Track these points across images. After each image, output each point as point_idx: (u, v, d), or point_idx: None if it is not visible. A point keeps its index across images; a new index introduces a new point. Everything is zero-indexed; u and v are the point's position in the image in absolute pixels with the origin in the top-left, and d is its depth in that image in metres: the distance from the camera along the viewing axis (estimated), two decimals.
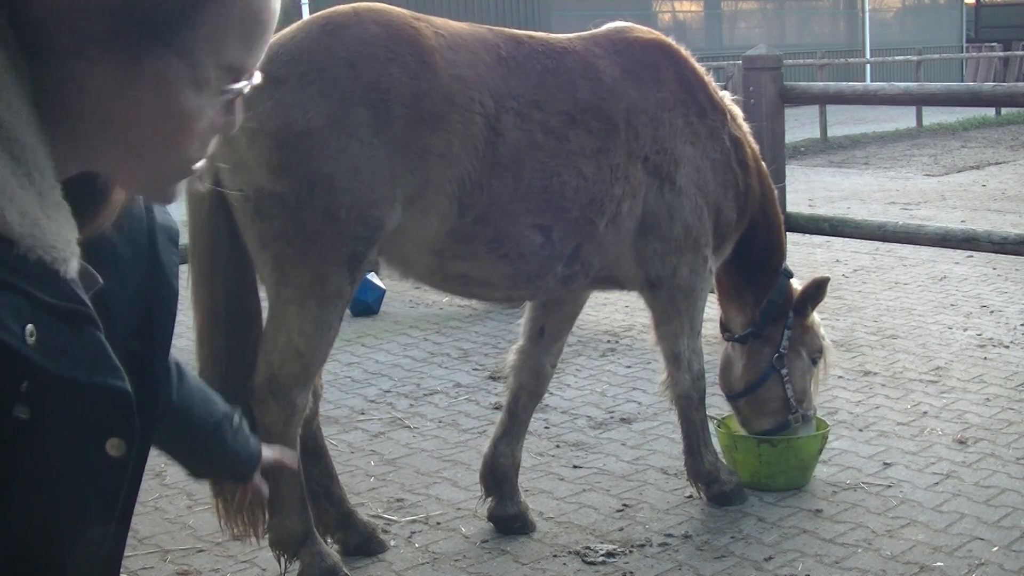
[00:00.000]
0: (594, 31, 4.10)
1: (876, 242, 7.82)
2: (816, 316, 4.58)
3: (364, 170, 3.33)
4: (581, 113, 3.73)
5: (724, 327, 4.57)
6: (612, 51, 3.94)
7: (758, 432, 4.51)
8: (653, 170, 3.92)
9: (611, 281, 4.11)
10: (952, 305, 7.60)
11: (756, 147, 4.41)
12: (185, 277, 3.59)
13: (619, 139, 3.81)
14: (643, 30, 4.14)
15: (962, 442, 4.95)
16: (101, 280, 1.19)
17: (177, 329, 1.41)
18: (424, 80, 3.41)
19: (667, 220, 3.97)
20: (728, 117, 4.20)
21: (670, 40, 4.17)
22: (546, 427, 5.32)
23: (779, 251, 4.50)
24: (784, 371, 4.44)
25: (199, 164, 1.22)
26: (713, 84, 4.23)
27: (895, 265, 9.00)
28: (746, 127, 4.34)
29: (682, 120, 4.00)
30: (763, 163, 4.47)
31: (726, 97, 4.30)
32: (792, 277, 4.52)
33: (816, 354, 4.54)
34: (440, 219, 3.50)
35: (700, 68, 4.19)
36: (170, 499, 4.60)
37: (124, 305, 1.30)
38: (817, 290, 4.48)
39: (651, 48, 4.05)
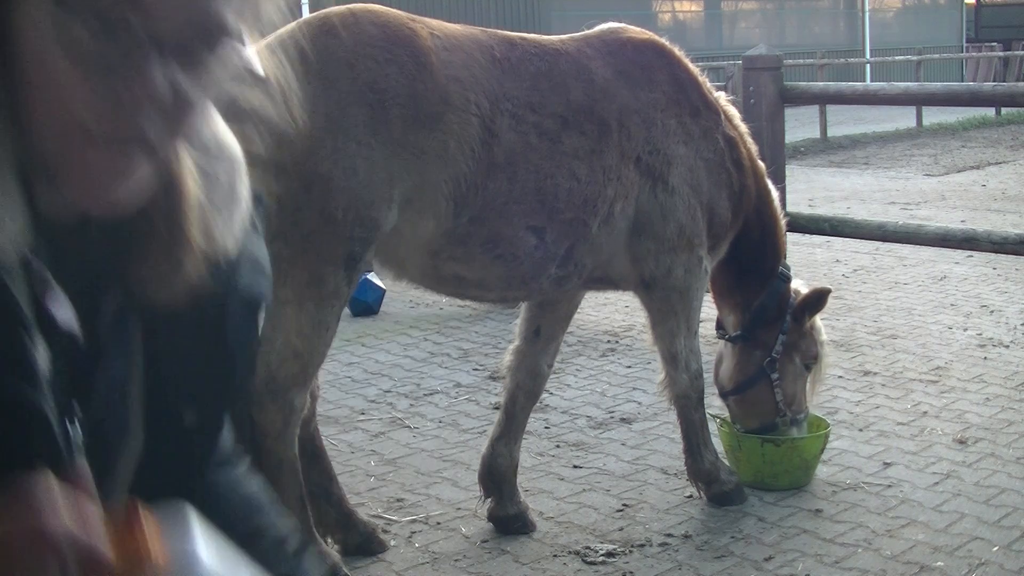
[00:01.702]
0: (587, 32, 4.10)
1: (876, 242, 7.81)
2: (818, 321, 4.57)
3: (361, 171, 3.33)
4: (574, 115, 3.73)
5: (719, 325, 4.59)
6: (605, 52, 3.94)
7: (745, 430, 4.53)
8: (646, 170, 3.92)
9: (606, 281, 4.11)
10: (952, 305, 7.59)
11: (754, 147, 4.40)
12: None
13: (612, 140, 3.81)
14: (636, 31, 4.14)
15: (962, 442, 4.94)
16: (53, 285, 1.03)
17: None
18: (421, 81, 3.41)
19: (660, 220, 3.97)
20: (723, 117, 4.20)
21: (663, 40, 4.17)
22: (546, 427, 5.31)
23: (773, 254, 4.47)
24: (775, 376, 4.43)
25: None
26: (707, 84, 4.22)
27: (895, 265, 8.99)
28: (743, 127, 4.33)
29: (675, 120, 3.99)
30: (760, 164, 4.45)
31: (721, 97, 4.29)
32: (789, 281, 4.50)
33: (811, 360, 4.52)
34: (436, 220, 3.50)
35: (694, 68, 4.18)
36: None
37: (178, 371, 1.17)
38: (818, 300, 4.47)
39: (644, 49, 4.05)
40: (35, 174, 1.01)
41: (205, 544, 1.03)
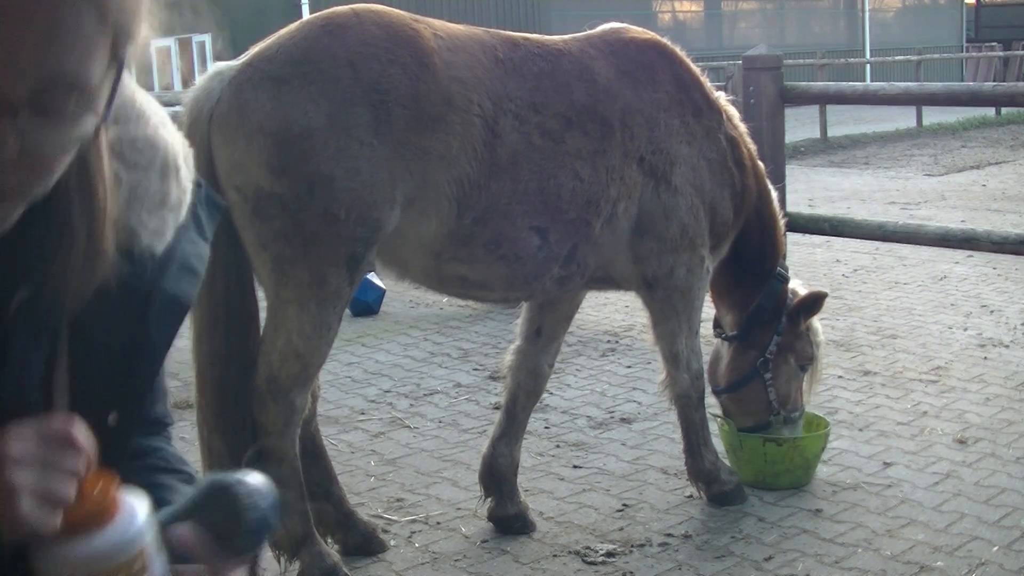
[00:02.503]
0: (589, 32, 4.10)
1: (876, 242, 7.81)
2: (816, 323, 4.58)
3: (364, 171, 3.33)
4: (577, 115, 3.73)
5: (716, 324, 4.60)
6: (607, 52, 3.94)
7: (740, 428, 4.55)
8: (648, 170, 3.92)
9: (608, 281, 4.11)
10: (952, 305, 7.60)
11: (753, 147, 4.41)
12: None
13: (615, 140, 3.81)
14: (638, 30, 4.14)
15: (962, 442, 4.95)
16: None
17: None
18: (424, 82, 3.41)
19: (663, 220, 3.97)
20: (724, 117, 4.20)
21: (665, 40, 4.17)
22: (546, 427, 5.32)
23: (772, 254, 4.47)
24: (768, 375, 4.44)
25: None
26: (709, 84, 4.23)
27: (895, 265, 9.00)
28: (743, 127, 4.34)
29: (678, 120, 3.99)
30: (760, 164, 4.46)
31: (721, 97, 4.29)
32: (787, 282, 4.50)
33: (806, 362, 4.54)
34: (439, 221, 3.50)
35: (695, 68, 4.18)
36: None
37: (102, 371, 1.23)
38: (814, 303, 4.49)
39: (646, 48, 4.05)
40: None
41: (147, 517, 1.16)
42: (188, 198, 1.30)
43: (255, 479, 1.32)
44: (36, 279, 1.15)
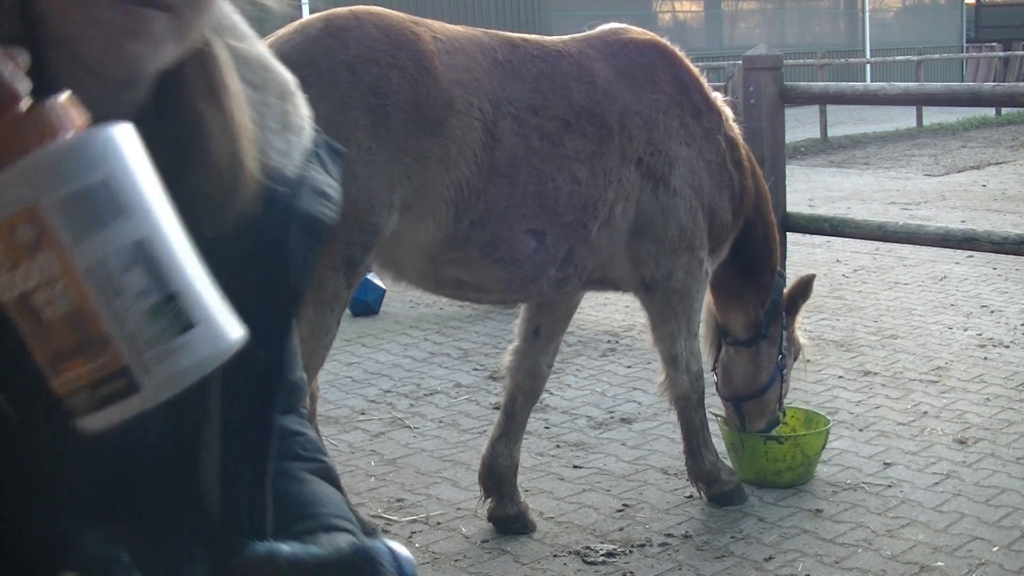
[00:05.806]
0: (588, 33, 4.10)
1: (876, 242, 7.81)
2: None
3: (361, 175, 3.32)
4: (576, 117, 3.72)
5: (725, 331, 4.56)
6: (607, 53, 3.94)
7: (755, 432, 4.55)
8: (647, 172, 3.91)
9: (606, 283, 4.11)
10: (952, 305, 7.60)
11: (747, 148, 4.42)
12: None
13: (613, 142, 3.80)
14: (638, 31, 4.13)
15: (962, 442, 4.95)
16: None
17: None
18: (423, 85, 3.40)
19: (661, 222, 3.97)
20: (723, 118, 4.20)
21: (665, 41, 4.16)
22: (546, 427, 5.32)
23: (776, 250, 4.51)
24: (784, 371, 4.48)
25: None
26: (708, 85, 4.22)
27: (895, 265, 9.00)
28: (737, 128, 4.34)
29: (677, 121, 3.99)
30: (756, 163, 4.48)
31: (718, 98, 4.29)
32: (785, 278, 4.54)
33: (799, 350, 4.64)
34: (436, 225, 3.49)
35: (695, 69, 4.18)
36: None
37: (243, 308, 1.03)
38: (806, 288, 4.54)
39: (646, 49, 4.04)
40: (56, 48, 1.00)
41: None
42: (308, 127, 1.24)
43: (404, 553, 1.13)
44: (178, 200, 0.99)
